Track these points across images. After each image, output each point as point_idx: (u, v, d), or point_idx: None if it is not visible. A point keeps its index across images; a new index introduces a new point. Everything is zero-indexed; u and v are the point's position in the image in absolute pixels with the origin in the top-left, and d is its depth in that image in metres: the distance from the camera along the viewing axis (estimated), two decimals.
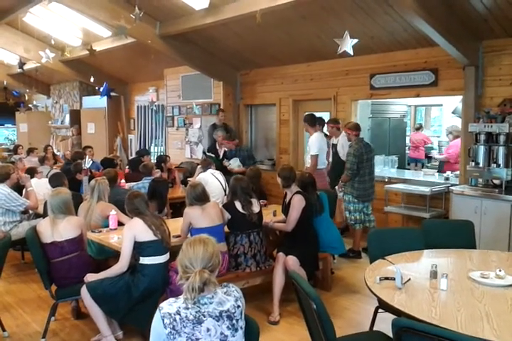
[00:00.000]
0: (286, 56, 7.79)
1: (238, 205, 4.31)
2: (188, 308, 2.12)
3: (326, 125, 6.82)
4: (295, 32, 6.78)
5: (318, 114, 7.02)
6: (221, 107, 8.97)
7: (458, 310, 2.59)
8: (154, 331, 2.15)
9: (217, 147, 7.92)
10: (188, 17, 7.15)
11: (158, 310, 2.14)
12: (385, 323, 3.04)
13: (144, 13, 6.10)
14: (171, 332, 2.10)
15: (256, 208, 4.39)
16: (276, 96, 8.41)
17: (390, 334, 2.36)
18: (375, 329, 3.53)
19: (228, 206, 4.37)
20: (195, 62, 8.62)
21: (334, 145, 6.62)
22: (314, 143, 6.43)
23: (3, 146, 15.57)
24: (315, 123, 6.65)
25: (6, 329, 3.95)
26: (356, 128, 6.00)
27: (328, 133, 6.89)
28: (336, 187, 6.15)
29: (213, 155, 7.84)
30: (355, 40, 4.96)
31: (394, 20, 5.76)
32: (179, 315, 2.11)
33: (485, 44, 5.69)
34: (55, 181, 5.38)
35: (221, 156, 7.82)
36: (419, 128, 9.90)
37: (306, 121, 6.67)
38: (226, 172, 6.82)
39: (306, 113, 7.00)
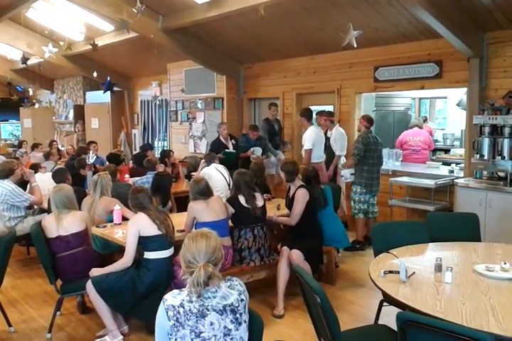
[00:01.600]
0: (289, 49, 7.75)
1: (242, 199, 4.31)
2: (191, 301, 2.13)
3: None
4: (298, 25, 6.74)
5: (321, 108, 6.99)
6: (224, 101, 8.96)
7: (463, 303, 2.58)
8: (158, 323, 2.16)
9: (223, 141, 7.79)
10: (190, 10, 7.12)
11: (162, 301, 2.15)
12: (389, 317, 3.04)
13: (146, 7, 6.07)
14: (174, 324, 2.10)
15: (260, 202, 4.38)
16: (279, 90, 8.37)
17: (395, 328, 2.35)
18: (379, 322, 3.53)
19: (232, 200, 4.37)
20: (198, 56, 8.60)
21: (327, 139, 6.62)
22: (308, 137, 6.43)
23: (7, 142, 15.60)
24: (311, 117, 6.64)
25: (12, 324, 3.97)
26: (369, 120, 6.09)
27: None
28: (340, 168, 6.25)
29: (234, 151, 7.68)
30: (359, 32, 4.94)
31: (398, 12, 5.71)
32: (183, 307, 2.11)
33: (489, 35, 5.64)
34: (58, 176, 5.40)
35: (232, 148, 7.74)
36: (425, 120, 9.83)
37: (303, 116, 6.64)
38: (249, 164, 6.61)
39: (303, 107, 6.96)
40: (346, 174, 6.15)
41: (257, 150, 7.63)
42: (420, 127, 8.05)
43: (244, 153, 7.63)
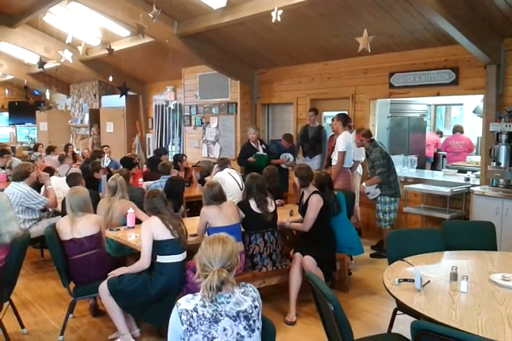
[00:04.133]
0: (303, 55, 7.75)
1: (253, 204, 4.29)
2: (205, 306, 2.12)
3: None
4: (313, 30, 6.74)
5: (335, 113, 6.93)
6: (238, 106, 9.00)
7: (478, 313, 2.54)
8: (171, 327, 2.16)
9: (253, 144, 7.60)
10: (205, 16, 7.16)
11: (175, 306, 2.15)
12: (403, 325, 3.01)
13: (161, 12, 6.11)
14: (187, 328, 2.10)
15: (271, 207, 4.37)
16: (293, 95, 8.38)
17: (409, 337, 2.32)
18: (393, 331, 3.49)
19: (242, 205, 4.36)
20: (213, 61, 8.64)
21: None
22: (342, 141, 6.27)
23: (23, 145, 15.80)
24: (347, 122, 6.55)
25: (24, 326, 3.99)
26: (368, 134, 5.98)
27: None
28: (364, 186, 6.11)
29: (265, 154, 7.53)
30: (372, 37, 4.92)
31: (414, 18, 5.68)
32: (196, 312, 2.11)
33: (507, 42, 5.58)
34: (71, 180, 5.43)
35: (261, 151, 7.61)
36: (438, 132, 10.04)
37: (339, 120, 6.48)
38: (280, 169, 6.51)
39: (339, 112, 6.83)
40: (371, 191, 5.97)
41: (290, 156, 7.53)
42: (461, 132, 8.76)
43: (275, 160, 7.41)
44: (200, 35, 7.83)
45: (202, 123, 10.05)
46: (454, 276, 2.95)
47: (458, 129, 8.81)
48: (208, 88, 9.72)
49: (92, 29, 9.61)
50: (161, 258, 3.65)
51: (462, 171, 7.10)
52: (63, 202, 4.92)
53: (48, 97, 12.96)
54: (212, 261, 2.15)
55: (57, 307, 4.53)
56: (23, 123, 16.51)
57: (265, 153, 7.53)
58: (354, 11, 5.89)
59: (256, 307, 2.20)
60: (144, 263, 3.64)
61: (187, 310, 2.11)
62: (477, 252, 3.59)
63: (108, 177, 5.46)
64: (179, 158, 7.60)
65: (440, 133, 9.94)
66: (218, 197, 4.17)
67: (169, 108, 11.14)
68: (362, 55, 6.22)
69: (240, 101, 9.08)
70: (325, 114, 8.29)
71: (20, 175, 5.43)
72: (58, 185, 5.93)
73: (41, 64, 9.67)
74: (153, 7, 5.81)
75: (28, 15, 9.04)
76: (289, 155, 7.52)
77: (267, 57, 8.31)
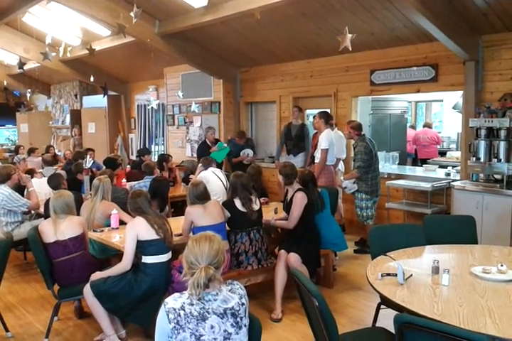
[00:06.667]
0: (286, 53, 7.78)
1: (238, 203, 4.30)
2: (192, 304, 2.13)
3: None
4: (295, 29, 6.77)
5: (318, 111, 6.97)
6: (221, 105, 9.03)
7: (460, 305, 2.59)
8: (159, 326, 2.17)
9: (209, 144, 8.12)
10: (187, 15, 7.14)
11: (163, 305, 2.15)
12: (387, 319, 3.04)
13: (142, 11, 6.09)
14: (175, 327, 2.11)
15: (256, 206, 4.38)
16: (276, 94, 8.40)
17: (393, 330, 2.36)
18: (377, 325, 3.53)
19: (227, 204, 4.36)
20: (195, 60, 8.62)
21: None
22: (324, 138, 6.28)
23: (4, 147, 15.59)
24: (329, 120, 6.58)
25: (9, 329, 3.95)
26: (358, 127, 6.02)
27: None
28: (342, 180, 6.21)
29: (227, 146, 8.12)
30: (353, 35, 4.95)
31: (393, 15, 5.74)
32: (183, 310, 2.12)
33: (485, 38, 5.67)
34: (53, 182, 5.38)
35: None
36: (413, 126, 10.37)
37: (322, 118, 6.47)
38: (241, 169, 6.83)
39: (321, 110, 6.83)
40: (349, 185, 6.03)
41: (249, 152, 8.00)
42: (429, 127, 9.58)
43: (235, 158, 7.86)
44: (182, 34, 7.80)
45: (185, 123, 10.02)
46: (435, 270, 3.00)
47: (426, 125, 9.66)
48: (190, 87, 9.69)
49: (73, 29, 9.52)
50: (146, 259, 3.65)
51: (443, 166, 7.20)
52: (46, 204, 4.88)
53: (28, 98, 12.80)
54: (199, 259, 2.16)
55: (41, 309, 4.49)
56: (4, 125, 16.28)
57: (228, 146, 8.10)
58: (335, 9, 5.93)
59: (243, 304, 2.21)
60: (126, 264, 3.63)
61: (174, 309, 2.12)
62: (458, 246, 3.65)
63: (91, 179, 5.43)
64: (165, 158, 7.56)
65: (413, 128, 10.15)
66: (203, 196, 4.17)
67: (152, 108, 11.08)
68: (343, 53, 6.27)
69: (223, 100, 9.08)
70: (308, 111, 8.33)
71: (2, 178, 5.36)
72: (39, 186, 5.87)
73: (21, 65, 9.54)
74: (134, 6, 5.79)
75: (7, 15, 8.91)
76: (248, 151, 8.07)
77: (250, 56, 8.32)
